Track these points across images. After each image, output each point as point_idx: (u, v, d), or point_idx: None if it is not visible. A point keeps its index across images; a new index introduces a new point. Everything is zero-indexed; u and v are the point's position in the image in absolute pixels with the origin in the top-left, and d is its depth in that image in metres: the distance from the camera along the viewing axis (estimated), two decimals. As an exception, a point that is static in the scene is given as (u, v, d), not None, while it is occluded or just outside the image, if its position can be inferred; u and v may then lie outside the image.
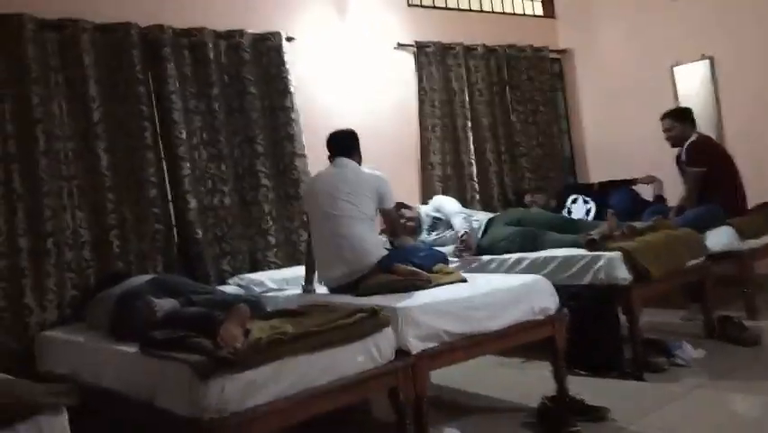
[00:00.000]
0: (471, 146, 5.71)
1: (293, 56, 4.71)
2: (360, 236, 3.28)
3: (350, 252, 3.27)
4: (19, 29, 3.66)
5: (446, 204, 4.72)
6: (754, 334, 3.97)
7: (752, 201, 4.76)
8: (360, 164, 3.61)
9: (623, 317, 3.70)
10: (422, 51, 5.52)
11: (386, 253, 3.34)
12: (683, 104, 5.59)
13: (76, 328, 3.41)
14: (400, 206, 4.43)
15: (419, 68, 5.52)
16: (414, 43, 5.50)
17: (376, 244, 3.35)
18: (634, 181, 5.52)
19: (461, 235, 4.34)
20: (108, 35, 4.02)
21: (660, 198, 5.32)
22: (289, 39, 4.72)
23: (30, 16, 3.70)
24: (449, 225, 4.62)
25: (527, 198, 5.60)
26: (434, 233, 4.69)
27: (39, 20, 3.76)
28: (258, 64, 4.59)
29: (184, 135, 4.19)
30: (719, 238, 4.40)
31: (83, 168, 3.87)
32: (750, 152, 4.94)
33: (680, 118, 4.81)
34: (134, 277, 3.56)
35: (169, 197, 4.20)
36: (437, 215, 4.71)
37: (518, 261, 4.13)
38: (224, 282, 4.09)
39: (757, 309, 4.39)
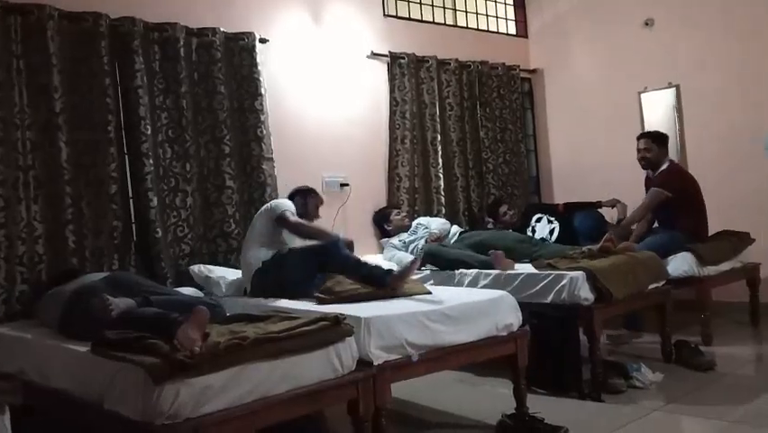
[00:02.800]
0: (440, 160, 5.71)
1: (265, 57, 4.65)
2: (244, 254, 3.80)
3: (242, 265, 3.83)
4: (-19, 10, 3.54)
5: (434, 222, 5.16)
6: (709, 359, 4.03)
7: (712, 229, 4.84)
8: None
9: (583, 338, 3.72)
10: (395, 62, 5.51)
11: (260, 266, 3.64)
12: (649, 129, 5.67)
13: (24, 325, 3.28)
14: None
15: (392, 78, 5.50)
16: (388, 53, 5.49)
17: (256, 258, 3.67)
18: (598, 204, 5.56)
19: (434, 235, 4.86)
20: (76, 24, 3.90)
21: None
22: (263, 40, 4.65)
23: (-7, -1, 3.58)
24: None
25: (502, 209, 5.59)
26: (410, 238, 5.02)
27: (3, 3, 3.63)
28: (229, 64, 4.51)
29: (149, 131, 4.08)
30: (680, 264, 4.47)
31: (41, 159, 3.73)
32: (710, 181, 5.02)
33: (658, 141, 4.86)
34: (89, 274, 3.44)
35: (130, 193, 4.08)
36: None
37: (482, 275, 4.14)
38: (182, 284, 3.97)
39: (713, 335, 4.45)
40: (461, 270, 4.32)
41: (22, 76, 3.70)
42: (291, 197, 4.03)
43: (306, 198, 4.02)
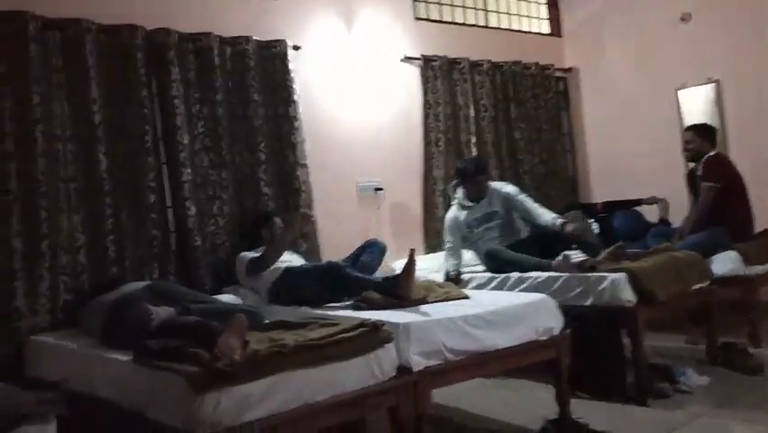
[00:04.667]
0: (475, 162, 5.66)
1: (298, 64, 4.66)
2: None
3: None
4: (22, 26, 3.60)
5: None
6: (757, 361, 3.91)
7: (758, 226, 4.71)
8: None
9: (627, 340, 3.64)
10: (428, 65, 5.48)
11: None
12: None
13: (68, 334, 3.32)
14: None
15: (425, 81, 5.48)
16: (420, 57, 5.46)
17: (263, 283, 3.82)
18: (638, 202, 5.47)
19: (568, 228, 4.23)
20: (112, 37, 3.95)
21: (664, 221, 5.27)
22: (296, 47, 4.67)
23: (33, 14, 3.64)
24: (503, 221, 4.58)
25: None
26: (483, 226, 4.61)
27: (42, 18, 3.69)
28: (263, 71, 4.53)
29: (186, 141, 4.12)
30: (725, 263, 4.35)
31: (82, 170, 3.79)
32: (755, 178, 4.88)
33: (702, 134, 4.77)
34: (130, 283, 3.48)
35: (168, 203, 4.12)
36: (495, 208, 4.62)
37: (521, 279, 4.08)
38: (220, 292, 4.00)
39: (761, 337, 4.32)
40: (513, 273, 4.12)
41: (63, 89, 3.77)
42: (254, 229, 4.17)
43: (268, 227, 4.14)
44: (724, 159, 4.81)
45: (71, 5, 3.82)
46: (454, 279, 4.34)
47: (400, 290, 3.15)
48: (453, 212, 4.71)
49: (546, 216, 4.39)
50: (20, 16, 3.60)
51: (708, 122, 5.44)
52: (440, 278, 4.39)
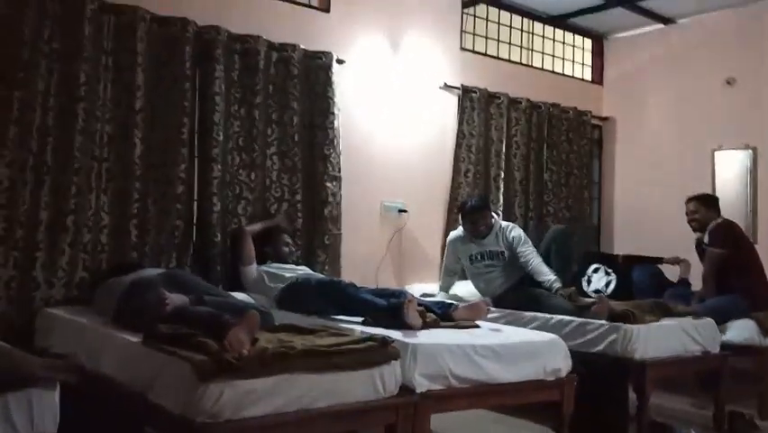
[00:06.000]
0: (501, 197, 5.67)
1: (340, 78, 4.72)
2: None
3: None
4: (80, 7, 3.69)
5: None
6: (763, 434, 3.85)
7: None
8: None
9: (633, 394, 3.60)
10: (467, 95, 5.52)
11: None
12: (720, 189, 5.55)
13: (80, 310, 3.35)
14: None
15: (462, 111, 5.51)
16: (460, 86, 5.50)
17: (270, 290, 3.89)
18: (660, 260, 5.40)
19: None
20: (164, 28, 4.04)
21: (684, 282, 5.19)
22: (340, 61, 4.73)
23: (92, -3, 3.74)
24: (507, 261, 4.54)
25: None
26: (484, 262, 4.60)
27: (99, 2, 3.79)
28: (305, 80, 4.59)
29: (221, 138, 4.18)
30: (741, 331, 4.30)
31: (116, 152, 3.86)
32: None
33: (706, 203, 4.76)
34: (147, 268, 3.51)
35: (195, 196, 4.17)
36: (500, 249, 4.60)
37: (532, 318, 4.05)
38: (234, 289, 4.02)
39: (770, 410, 4.25)
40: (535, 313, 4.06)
41: (109, 72, 3.85)
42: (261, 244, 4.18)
43: (273, 243, 4.20)
44: (731, 225, 4.76)
45: (130, -7, 3.92)
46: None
47: (404, 318, 3.08)
48: (457, 234, 4.76)
49: (544, 276, 4.34)
50: (79, -3, 3.70)
51: (739, 187, 5.41)
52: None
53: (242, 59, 4.33)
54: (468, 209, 4.66)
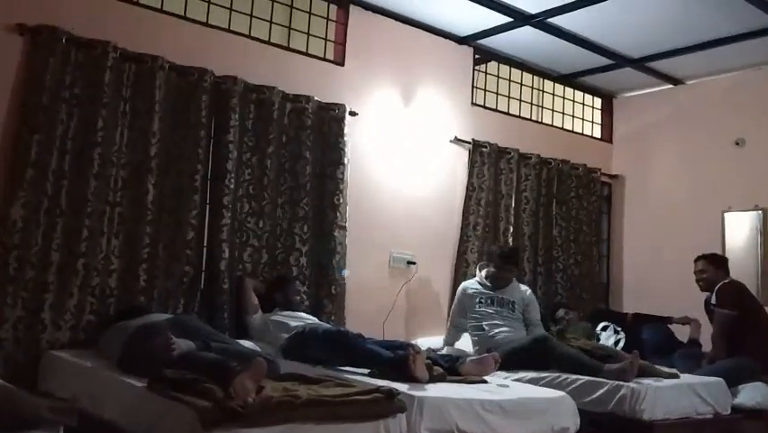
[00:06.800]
0: (510, 252, 5.66)
1: (352, 129, 4.78)
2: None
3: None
4: (103, 55, 3.80)
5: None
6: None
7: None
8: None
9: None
10: (477, 149, 5.58)
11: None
12: (729, 250, 5.52)
13: (85, 353, 3.35)
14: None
15: (472, 164, 5.56)
16: (471, 140, 5.57)
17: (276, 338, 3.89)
18: (669, 320, 5.36)
19: None
20: (183, 77, 4.13)
21: (695, 342, 5.13)
22: (352, 113, 4.81)
23: (114, 45, 3.84)
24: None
25: (560, 313, 5.45)
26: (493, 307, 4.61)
27: (122, 50, 3.89)
28: (318, 131, 4.65)
29: (232, 185, 4.22)
30: (753, 394, 4.22)
31: (129, 197, 3.91)
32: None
33: (714, 263, 4.75)
34: (154, 313, 3.52)
35: (204, 242, 4.19)
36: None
37: (540, 377, 3.98)
38: (241, 336, 4.00)
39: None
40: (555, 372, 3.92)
41: (127, 118, 3.93)
42: (271, 291, 4.21)
43: (282, 290, 4.20)
44: (738, 286, 4.74)
45: (150, 42, 4.02)
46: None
47: (411, 371, 3.03)
48: (469, 283, 4.79)
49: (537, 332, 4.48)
50: (102, 45, 3.80)
51: (749, 248, 5.40)
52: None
53: (257, 109, 4.41)
54: (506, 252, 4.82)
